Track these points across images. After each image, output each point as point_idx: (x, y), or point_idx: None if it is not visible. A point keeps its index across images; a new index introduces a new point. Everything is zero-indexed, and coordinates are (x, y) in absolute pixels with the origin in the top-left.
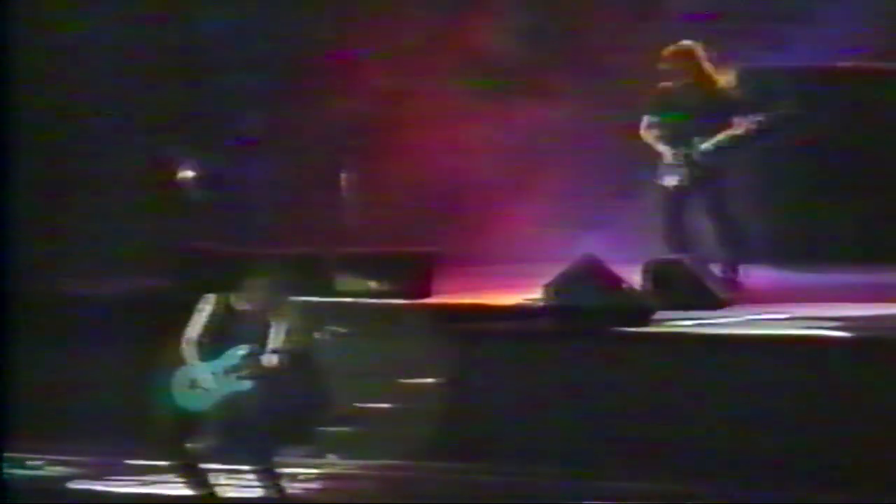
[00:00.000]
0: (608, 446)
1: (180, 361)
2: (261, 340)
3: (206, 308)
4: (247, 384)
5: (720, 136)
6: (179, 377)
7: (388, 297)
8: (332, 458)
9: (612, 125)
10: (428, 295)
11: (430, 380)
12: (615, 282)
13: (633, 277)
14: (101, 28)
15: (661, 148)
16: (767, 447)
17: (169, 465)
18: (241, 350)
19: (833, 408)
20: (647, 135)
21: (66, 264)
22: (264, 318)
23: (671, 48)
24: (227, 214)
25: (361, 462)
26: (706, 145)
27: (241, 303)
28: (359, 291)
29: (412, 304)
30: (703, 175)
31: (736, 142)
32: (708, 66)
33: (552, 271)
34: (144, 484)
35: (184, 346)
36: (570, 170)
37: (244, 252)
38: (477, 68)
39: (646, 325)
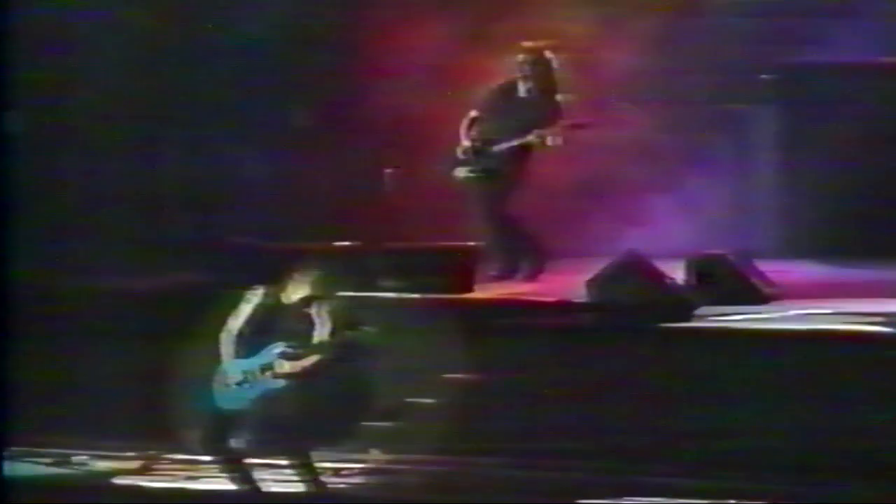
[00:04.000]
0: (651, 442)
1: (219, 357)
2: (302, 337)
3: (251, 302)
4: (280, 382)
5: (514, 141)
6: (217, 373)
7: (430, 292)
8: (374, 452)
9: (653, 120)
10: (470, 290)
11: (471, 375)
12: (658, 277)
13: (676, 272)
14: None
15: (464, 140)
16: (811, 442)
17: (209, 461)
18: (277, 348)
19: (877, 402)
20: (465, 127)
21: (104, 259)
22: (307, 314)
23: (524, 46)
24: (271, 209)
25: (404, 457)
26: (499, 146)
27: (288, 298)
28: (402, 286)
29: (455, 299)
30: (491, 173)
31: (526, 149)
32: (555, 74)
33: (595, 267)
34: (179, 479)
35: (222, 340)
36: (611, 165)
37: (289, 246)
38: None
39: (688, 320)
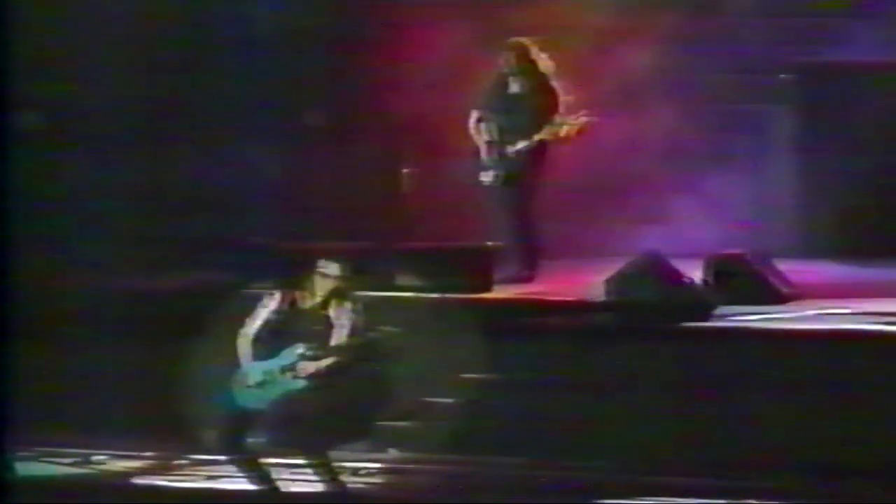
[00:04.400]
0: (668, 442)
1: (239, 358)
2: (321, 338)
3: (269, 304)
4: (301, 383)
5: (533, 139)
6: (238, 374)
7: (448, 292)
8: (392, 452)
9: (678, 120)
10: (489, 289)
11: (489, 374)
12: (676, 277)
13: (695, 272)
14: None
15: (481, 144)
16: (832, 442)
17: (229, 460)
18: (298, 349)
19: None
20: (474, 130)
21: (122, 260)
22: (326, 314)
23: (509, 43)
24: (289, 209)
25: (422, 456)
26: (519, 146)
27: (306, 298)
28: (419, 286)
29: (473, 299)
30: (514, 174)
31: (544, 146)
32: (543, 66)
33: (613, 266)
34: (194, 479)
35: (239, 342)
36: (631, 164)
37: (307, 247)
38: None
39: (707, 320)
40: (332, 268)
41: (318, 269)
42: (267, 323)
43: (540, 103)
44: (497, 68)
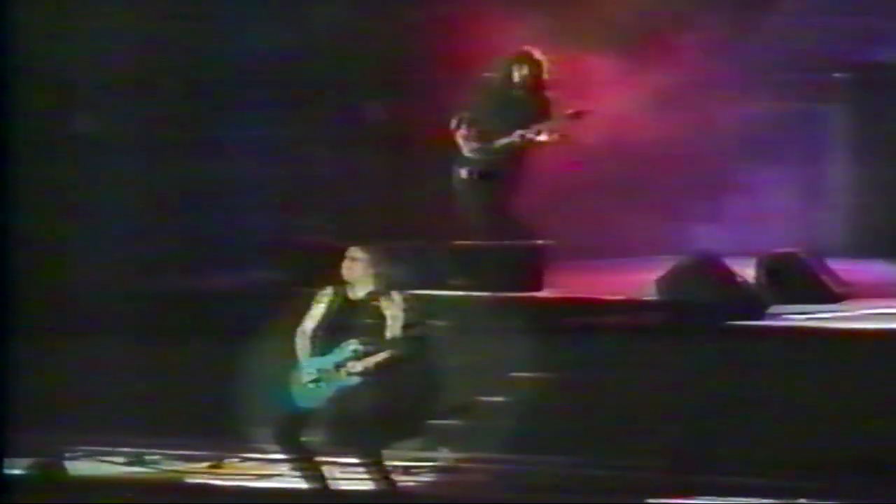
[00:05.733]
0: (720, 442)
1: (294, 356)
2: (374, 334)
3: (322, 301)
4: (356, 379)
5: (511, 138)
6: (294, 371)
7: (500, 290)
8: (444, 451)
9: (723, 120)
10: (540, 288)
11: (541, 374)
12: (729, 276)
13: (748, 271)
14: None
15: (462, 142)
16: (884, 443)
17: (285, 458)
18: (352, 345)
19: None
20: (455, 130)
21: (175, 259)
22: (379, 311)
23: (510, 54)
24: (340, 208)
25: (473, 455)
26: (497, 144)
27: (356, 295)
28: (471, 284)
29: (525, 298)
30: (493, 170)
31: (521, 145)
32: (539, 74)
33: (666, 266)
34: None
35: (297, 339)
36: (682, 164)
37: (358, 245)
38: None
39: (760, 319)
40: (380, 263)
41: (367, 265)
42: (322, 320)
43: (532, 106)
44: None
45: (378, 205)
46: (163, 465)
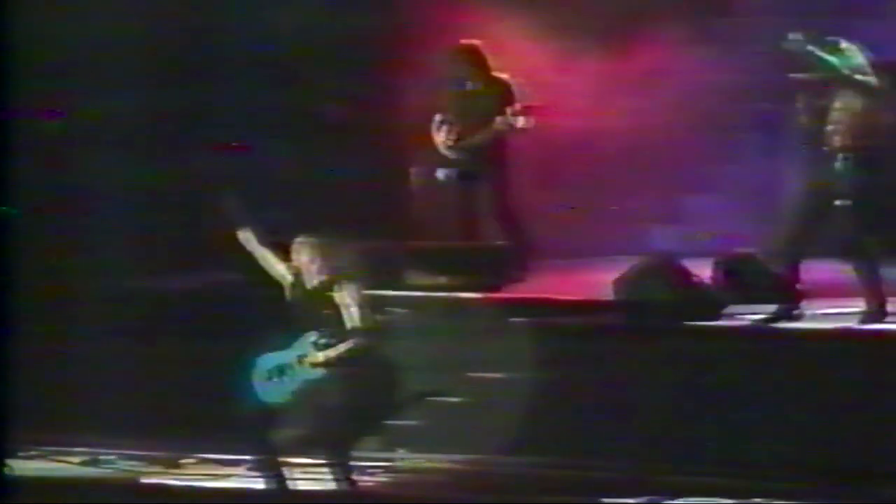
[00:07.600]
0: (680, 442)
1: (256, 351)
2: (332, 326)
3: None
4: (317, 372)
5: (481, 135)
6: (256, 367)
7: (459, 290)
8: (401, 451)
9: (686, 122)
10: (499, 288)
11: (500, 374)
12: (686, 277)
13: (704, 272)
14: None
15: (439, 144)
16: (843, 443)
17: (246, 457)
18: (312, 337)
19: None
20: (435, 133)
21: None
22: (334, 302)
23: (455, 46)
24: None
25: (431, 456)
26: (471, 142)
27: (311, 284)
28: (430, 283)
29: (484, 298)
30: (469, 169)
31: (491, 140)
32: (486, 67)
33: (623, 266)
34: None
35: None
36: (641, 166)
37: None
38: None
39: (717, 319)
40: (328, 253)
41: (321, 256)
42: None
43: (491, 101)
44: (448, 71)
45: (335, 202)
46: (116, 465)
